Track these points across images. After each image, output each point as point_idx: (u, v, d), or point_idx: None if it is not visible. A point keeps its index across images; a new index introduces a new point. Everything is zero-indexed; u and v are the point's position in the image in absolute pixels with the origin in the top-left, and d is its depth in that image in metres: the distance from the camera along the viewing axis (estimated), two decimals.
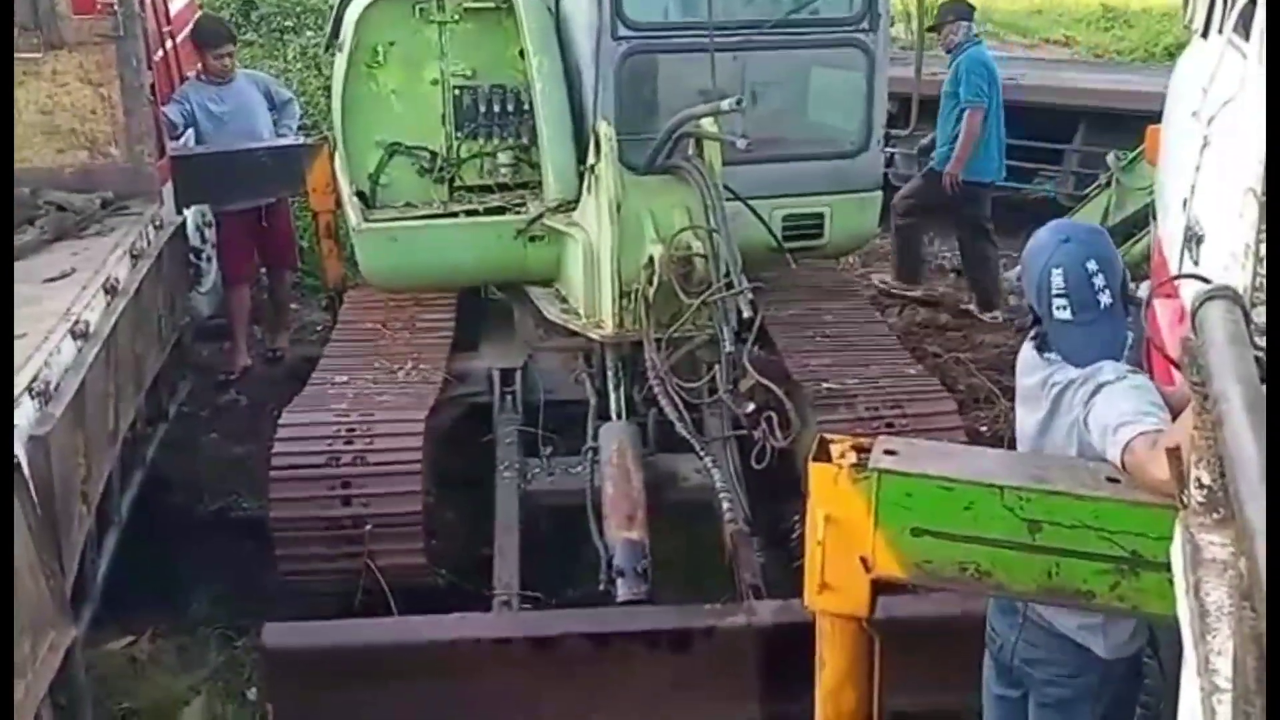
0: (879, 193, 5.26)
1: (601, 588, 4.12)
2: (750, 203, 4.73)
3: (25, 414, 3.15)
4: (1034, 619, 2.77)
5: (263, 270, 7.13)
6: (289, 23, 12.93)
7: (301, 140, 6.94)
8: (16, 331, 3.72)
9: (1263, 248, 2.15)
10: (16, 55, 5.17)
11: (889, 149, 7.17)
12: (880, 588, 2.52)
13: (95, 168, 5.37)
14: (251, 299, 7.01)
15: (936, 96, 7.13)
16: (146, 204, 5.34)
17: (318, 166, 6.49)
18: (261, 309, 7.22)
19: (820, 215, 5.09)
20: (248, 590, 4.48)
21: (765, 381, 4.23)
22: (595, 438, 4.59)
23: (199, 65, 6.88)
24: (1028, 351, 2.82)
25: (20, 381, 3.27)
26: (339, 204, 6.29)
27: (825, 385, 4.70)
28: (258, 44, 12.44)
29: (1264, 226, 2.12)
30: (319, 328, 7.18)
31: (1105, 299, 2.63)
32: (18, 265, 4.52)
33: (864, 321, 5.44)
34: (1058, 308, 2.65)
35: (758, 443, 4.19)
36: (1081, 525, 2.27)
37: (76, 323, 3.82)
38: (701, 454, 4.39)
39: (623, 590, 4.01)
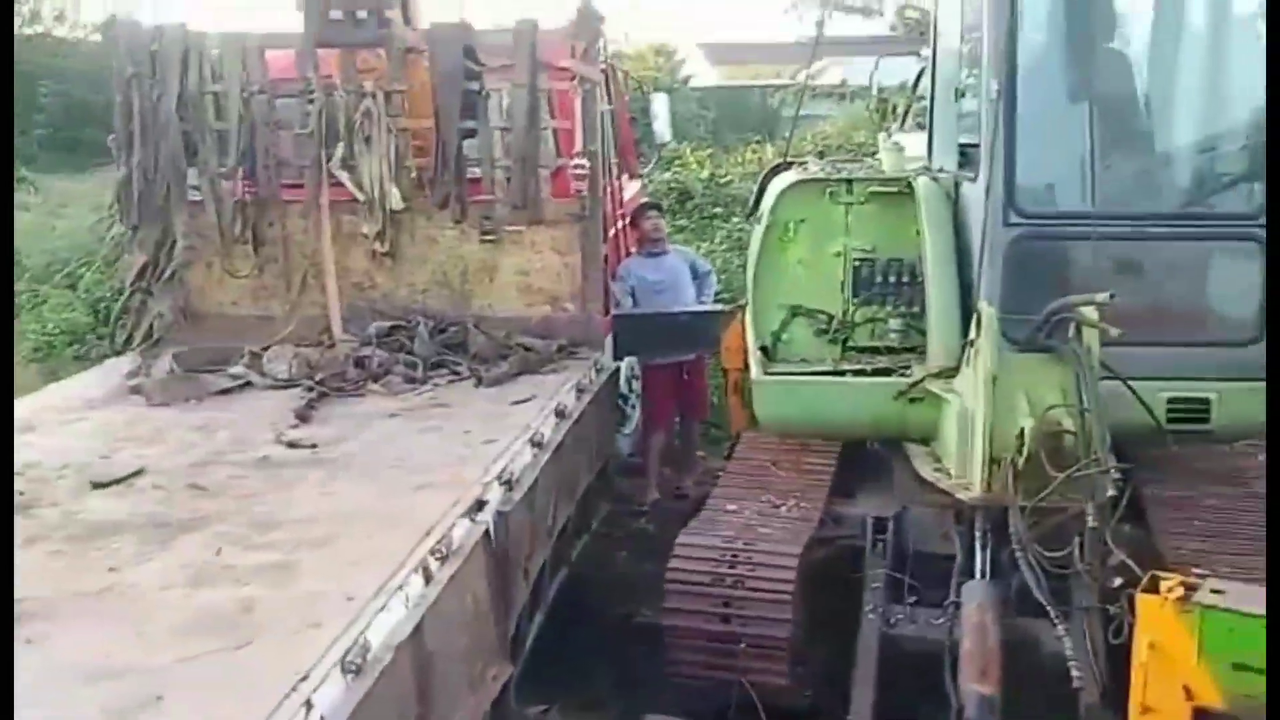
0: None
1: None
2: (1134, 383, 4.87)
3: (495, 495, 4.04)
4: None
5: (677, 419, 8.06)
6: (718, 209, 14.39)
7: (719, 307, 7.90)
8: (490, 436, 4.74)
9: None
10: (508, 228, 6.47)
11: None
12: (1201, 715, 2.71)
13: (554, 319, 6.51)
14: (665, 443, 7.94)
15: None
16: (592, 350, 6.38)
17: (732, 330, 7.38)
18: (672, 452, 8.11)
19: (1207, 401, 5.11)
20: (644, 681, 5.07)
21: (1128, 560, 4.35)
22: (958, 593, 4.83)
23: (637, 239, 8.13)
24: None
25: (493, 471, 4.20)
26: (746, 364, 7.13)
27: (1196, 570, 4.70)
28: (690, 228, 13.95)
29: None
30: (720, 473, 7.96)
31: None
32: (493, 390, 5.64)
33: (1253, 510, 5.32)
34: None
35: (1114, 619, 4.32)
36: None
37: (535, 434, 4.76)
38: (1056, 622, 4.48)
39: None
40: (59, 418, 5.23)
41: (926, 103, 6.12)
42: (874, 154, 6.94)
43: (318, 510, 3.90)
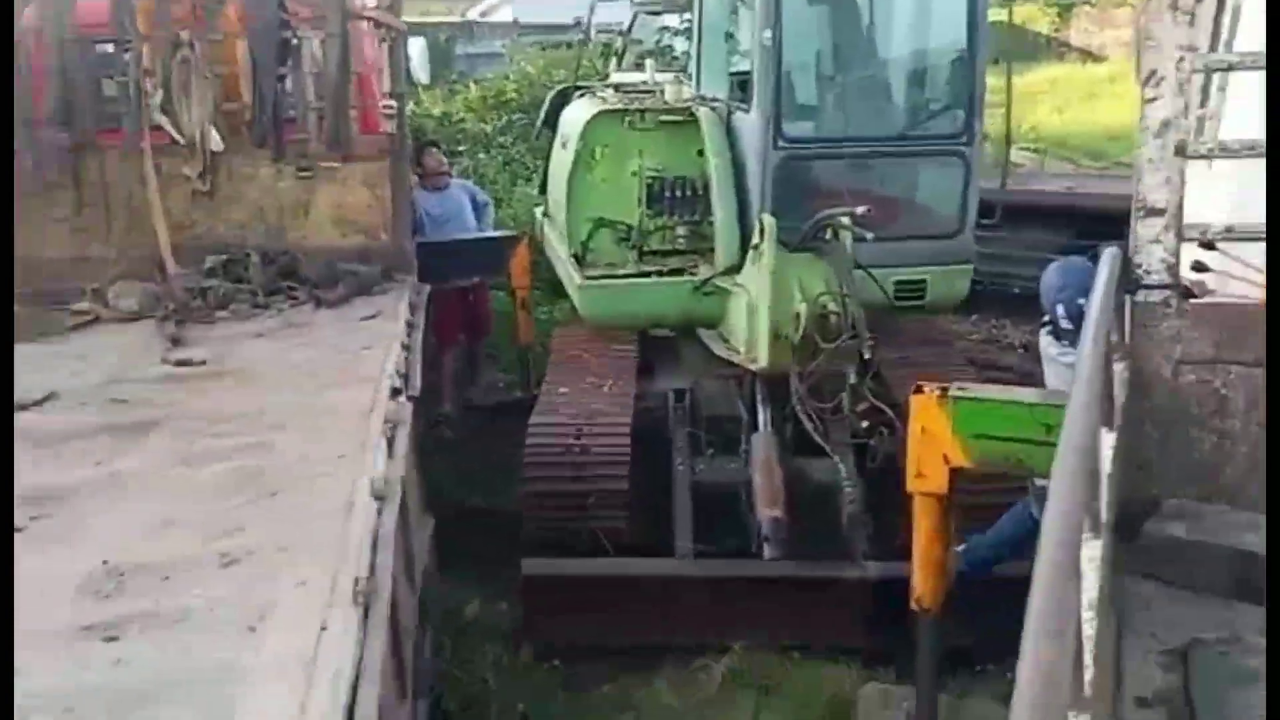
0: (970, 266, 6.73)
1: (754, 550, 5.66)
2: (871, 271, 6.17)
3: (398, 383, 4.82)
4: None
5: (462, 337, 8.90)
6: (460, 148, 15.10)
7: (508, 233, 8.81)
8: (361, 345, 5.48)
9: None
10: (322, 164, 7.07)
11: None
12: (955, 474, 4.01)
13: (369, 247, 7.18)
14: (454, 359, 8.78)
15: (1018, 203, 8.65)
16: (406, 274, 7.11)
17: (518, 254, 8.34)
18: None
19: (923, 282, 6.59)
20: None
21: (879, 403, 5.75)
22: (747, 443, 6.11)
23: (418, 175, 8.85)
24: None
25: (389, 369, 4.92)
26: (533, 284, 8.13)
27: None
28: None
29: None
30: (500, 385, 8.97)
31: None
32: (333, 311, 6.31)
33: (953, 361, 6.85)
34: None
35: (871, 450, 5.71)
36: None
37: (402, 340, 5.52)
38: (832, 454, 5.83)
39: (769, 552, 5.55)
40: None
41: (665, 43, 7.06)
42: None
43: (252, 406, 4.49)
